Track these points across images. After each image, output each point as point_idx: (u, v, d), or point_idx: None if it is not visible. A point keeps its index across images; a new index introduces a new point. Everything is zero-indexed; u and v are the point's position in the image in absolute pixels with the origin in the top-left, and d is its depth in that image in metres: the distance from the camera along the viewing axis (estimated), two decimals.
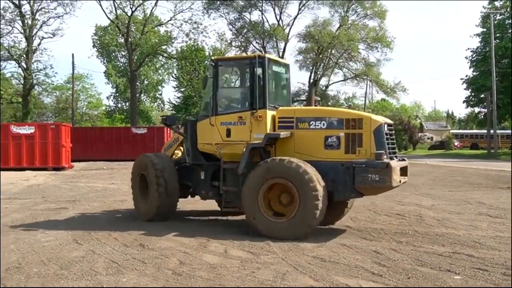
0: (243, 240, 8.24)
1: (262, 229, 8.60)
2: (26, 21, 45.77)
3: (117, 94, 76.59)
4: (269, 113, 9.29)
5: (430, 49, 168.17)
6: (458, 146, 66.06)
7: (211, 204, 11.44)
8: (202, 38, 53.54)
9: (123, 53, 69.64)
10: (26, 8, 45.77)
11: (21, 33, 46.16)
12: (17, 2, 44.95)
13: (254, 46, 51.75)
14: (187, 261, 6.94)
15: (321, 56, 50.51)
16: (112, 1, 49.98)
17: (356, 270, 6.45)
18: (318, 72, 51.57)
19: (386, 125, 8.90)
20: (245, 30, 51.34)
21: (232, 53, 55.34)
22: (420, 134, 72.20)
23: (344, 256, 7.19)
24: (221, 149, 9.57)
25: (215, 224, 9.94)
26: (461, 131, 78.84)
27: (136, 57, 54.96)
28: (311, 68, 51.65)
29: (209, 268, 6.61)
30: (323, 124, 8.97)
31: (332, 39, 47.04)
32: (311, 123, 9.07)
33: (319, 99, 9.43)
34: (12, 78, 50.74)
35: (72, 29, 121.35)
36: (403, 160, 9.50)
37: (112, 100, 78.15)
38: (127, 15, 50.97)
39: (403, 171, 9.01)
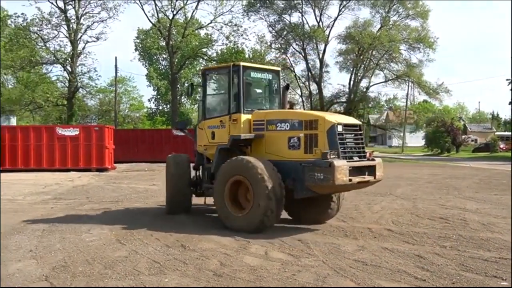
0: (284, 242, 8.24)
1: (224, 220, 9.61)
2: (71, 26, 46.94)
3: (158, 97, 77.76)
4: (244, 117, 10.14)
5: (475, 49, 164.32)
6: (504, 148, 64.16)
7: None
8: (242, 41, 53.61)
9: (164, 56, 70.61)
10: (71, 13, 46.99)
11: (66, 37, 47.38)
12: (63, 8, 46.19)
13: (294, 48, 51.60)
14: (227, 263, 6.98)
15: (361, 57, 49.94)
16: (154, 5, 50.76)
17: (398, 275, 6.36)
18: (359, 74, 51.01)
19: (340, 126, 9.22)
20: (285, 32, 51.19)
21: (272, 55, 55.42)
22: (463, 136, 70.47)
23: (386, 260, 7.09)
24: (206, 150, 10.79)
25: None
26: (506, 133, 76.58)
27: (177, 60, 55.59)
28: (351, 69, 51.15)
29: (249, 270, 6.62)
30: (287, 126, 9.63)
31: (373, 40, 46.43)
32: (277, 125, 9.78)
33: (295, 102, 10.06)
34: (57, 81, 52.12)
35: (115, 33, 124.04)
36: (372, 160, 9.65)
37: (153, 103, 79.41)
38: (169, 18, 51.62)
39: (361, 170, 9.24)
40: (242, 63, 10.47)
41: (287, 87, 11.18)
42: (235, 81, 10.26)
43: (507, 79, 55.58)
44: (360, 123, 10.03)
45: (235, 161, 9.50)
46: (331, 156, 8.83)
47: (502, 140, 67.38)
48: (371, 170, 9.44)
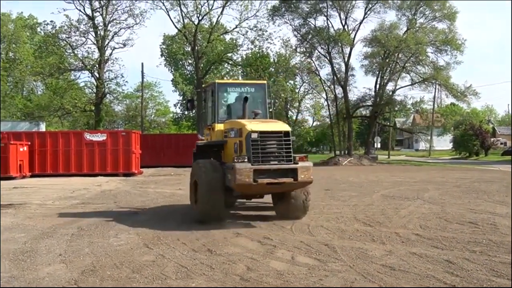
0: (310, 247, 8.20)
1: (193, 211, 11.52)
2: (99, 33, 47.71)
3: (184, 102, 78.29)
4: (218, 126, 11.96)
5: (503, 50, 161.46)
6: None
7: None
8: (267, 45, 53.77)
9: (189, 61, 71.27)
10: (98, 20, 47.76)
11: (94, 44, 48.16)
12: (90, 15, 46.95)
13: (319, 52, 51.42)
14: (254, 267, 6.98)
15: (387, 60, 49.50)
16: (179, 11, 51.22)
17: (427, 280, 6.27)
18: (385, 77, 50.56)
19: (255, 133, 10.41)
20: (310, 36, 51.05)
21: (297, 59, 55.33)
22: (492, 139, 69.31)
23: (415, 265, 7.00)
24: None
25: (282, 230, 9.93)
26: None
27: (202, 65, 55.97)
28: (377, 73, 50.75)
29: (276, 274, 6.61)
30: (233, 134, 11.04)
31: (399, 42, 46.00)
32: (230, 133, 11.21)
33: (260, 112, 11.84)
34: (85, 87, 52.95)
35: (142, 39, 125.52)
36: (295, 163, 10.43)
37: (179, 108, 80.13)
38: (194, 24, 52.04)
39: (275, 173, 10.28)
40: (217, 81, 12.56)
41: (246, 99, 11.87)
42: (213, 96, 12.23)
43: None
44: (286, 130, 10.69)
45: (194, 164, 11.62)
46: (237, 160, 10.17)
47: None
48: (292, 172, 10.30)
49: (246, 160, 10.15)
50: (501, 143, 76.02)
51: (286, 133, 10.61)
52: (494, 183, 21.41)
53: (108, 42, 48.29)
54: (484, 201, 14.77)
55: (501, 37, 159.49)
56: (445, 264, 7.02)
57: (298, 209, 11.29)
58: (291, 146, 10.57)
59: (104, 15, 47.46)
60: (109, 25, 47.87)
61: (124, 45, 48.34)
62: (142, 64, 56.70)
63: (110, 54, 48.84)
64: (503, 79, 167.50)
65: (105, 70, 48.76)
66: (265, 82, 13.35)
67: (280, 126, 10.95)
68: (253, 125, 10.61)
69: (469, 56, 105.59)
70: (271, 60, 60.47)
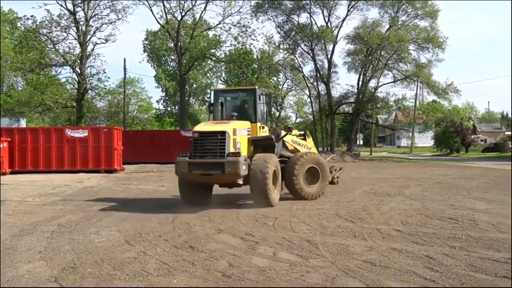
0: (292, 243, 8.23)
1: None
2: (80, 28, 47.14)
3: (167, 98, 78.13)
4: None
5: (484, 48, 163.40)
6: None
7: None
8: (250, 41, 53.55)
9: (172, 57, 70.96)
10: (80, 15, 47.14)
11: (75, 39, 47.56)
12: (72, 10, 46.42)
13: (302, 49, 51.61)
14: (236, 264, 6.98)
15: (370, 57, 49.83)
16: (162, 6, 50.91)
17: (407, 275, 6.33)
18: (367, 74, 50.87)
19: (196, 133, 12.72)
20: (293, 33, 51.20)
21: (280, 56, 55.38)
22: (473, 136, 70.10)
23: (395, 260, 7.06)
24: None
25: (264, 226, 9.95)
26: None
27: (185, 61, 55.70)
28: (360, 70, 51.06)
29: (258, 271, 6.62)
30: (191, 133, 13.19)
31: (382, 40, 46.32)
32: (192, 132, 13.22)
33: (235, 114, 13.79)
34: (67, 83, 52.39)
35: (124, 34, 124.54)
36: (222, 158, 12.26)
37: (162, 104, 79.89)
38: (177, 19, 51.73)
39: (207, 166, 12.29)
40: (213, 89, 14.52)
41: (221, 104, 14.45)
42: (212, 101, 14.89)
43: None
44: (221, 130, 12.49)
45: None
46: (181, 155, 12.55)
47: None
48: (221, 166, 12.06)
49: (188, 155, 12.48)
50: (481, 140, 76.89)
51: (222, 133, 12.38)
52: (474, 179, 21.68)
53: (90, 38, 47.76)
54: (464, 197, 14.95)
55: (482, 35, 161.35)
56: (425, 260, 7.09)
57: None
58: (224, 143, 12.24)
59: (85, 10, 46.88)
60: (91, 20, 47.31)
61: (106, 40, 47.82)
62: (125, 60, 56.08)
63: (92, 50, 48.30)
64: (483, 76, 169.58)
65: (86, 66, 48.20)
66: (255, 87, 14.75)
67: (220, 127, 12.73)
68: (200, 127, 13.11)
69: (451, 53, 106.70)
70: (254, 56, 60.48)
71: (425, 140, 76.44)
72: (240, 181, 12.80)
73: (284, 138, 14.90)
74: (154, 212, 12.07)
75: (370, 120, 72.72)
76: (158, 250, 7.86)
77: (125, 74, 56.59)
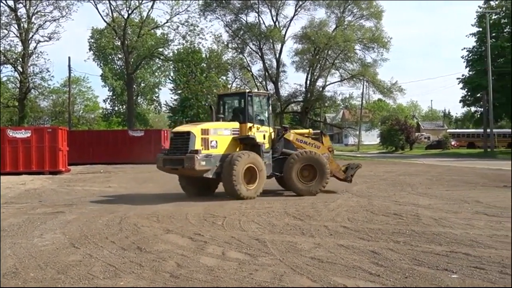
0: (241, 242, 8.25)
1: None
2: (22, 25, 45.65)
3: (114, 97, 76.62)
4: None
5: (427, 48, 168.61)
6: (455, 145, 66.13)
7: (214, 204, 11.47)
8: (198, 40, 53.33)
9: (119, 56, 69.64)
10: (22, 11, 45.71)
11: (17, 36, 46.06)
12: (13, 6, 44.87)
13: (250, 48, 51.75)
14: (184, 264, 6.93)
15: (317, 57, 50.48)
16: (108, 4, 49.95)
17: (353, 271, 6.46)
18: (315, 73, 51.53)
19: (173, 133, 15.20)
20: (241, 32, 51.27)
21: (229, 55, 55.34)
22: (417, 134, 72.27)
23: (342, 256, 7.19)
24: None
25: (213, 225, 9.93)
26: (457, 130, 78.93)
27: (132, 59, 54.91)
28: (307, 69, 51.64)
29: (206, 270, 6.60)
30: None
31: (329, 40, 47.01)
32: None
33: (222, 116, 15.46)
34: (8, 82, 50.61)
35: (69, 32, 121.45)
36: (182, 154, 13.95)
37: (108, 103, 78.28)
38: (124, 18, 50.92)
39: (173, 162, 14.20)
40: (217, 93, 15.34)
41: (210, 107, 16.03)
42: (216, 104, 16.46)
43: (457, 78, 57.45)
44: (187, 131, 14.22)
45: None
46: (161, 151, 15.94)
47: (453, 137, 69.34)
48: (182, 162, 13.69)
49: (166, 152, 14.95)
50: (425, 138, 79.33)
51: (187, 133, 14.06)
52: (418, 176, 22.34)
53: (32, 35, 46.37)
54: (408, 193, 15.39)
55: (424, 35, 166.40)
56: (370, 255, 7.26)
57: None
58: (188, 142, 13.80)
59: (27, 7, 45.49)
60: (33, 17, 45.98)
61: (50, 38, 46.55)
62: (69, 58, 55.19)
63: (35, 48, 46.92)
64: (426, 76, 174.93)
65: (29, 64, 46.75)
66: (245, 91, 15.98)
67: (188, 128, 14.66)
68: (176, 128, 15.47)
69: (395, 53, 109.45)
70: (203, 55, 60.21)
71: (371, 138, 78.26)
72: (209, 175, 14.04)
73: (289, 137, 15.82)
74: (101, 214, 11.83)
75: (319, 119, 73.70)
76: (105, 252, 7.70)
77: (70, 72, 55.30)
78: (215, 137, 14.30)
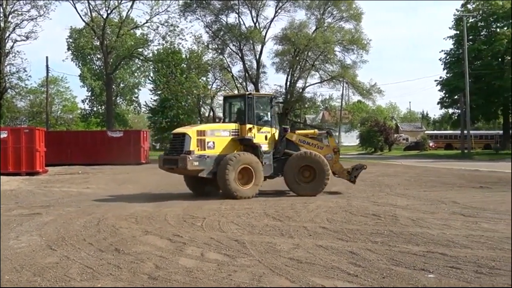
0: (220, 243, 8.24)
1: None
2: None
3: (93, 98, 75.95)
4: None
5: (406, 51, 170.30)
6: (433, 146, 66.97)
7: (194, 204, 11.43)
8: (178, 41, 53.03)
9: (98, 56, 68.99)
10: None
11: None
12: None
13: (230, 49, 51.62)
14: (163, 265, 6.89)
15: (297, 58, 50.58)
16: (87, 4, 49.45)
17: (332, 271, 6.49)
18: (295, 74, 51.63)
19: (172, 135, 16.16)
20: (221, 33, 51.12)
21: (209, 55, 55.17)
22: (395, 135, 72.93)
23: (321, 257, 7.22)
24: None
25: (192, 226, 9.89)
26: (435, 132, 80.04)
27: (111, 60, 54.44)
28: (287, 70, 51.71)
29: (185, 272, 6.57)
30: None
31: (309, 41, 47.12)
32: None
33: (221, 117, 16.33)
34: None
35: (46, 31, 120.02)
36: (176, 155, 14.71)
37: (87, 104, 77.59)
38: (103, 17, 50.47)
39: (170, 161, 14.96)
40: (223, 95, 15.87)
41: (212, 109, 16.56)
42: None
43: (435, 80, 58.17)
44: (183, 132, 14.98)
45: None
46: (164, 152, 16.02)
47: (431, 139, 70.20)
48: (176, 162, 14.48)
49: (166, 152, 15.92)
50: (404, 139, 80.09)
51: (182, 135, 14.79)
52: (397, 177, 22.55)
53: (9, 34, 45.57)
54: (387, 194, 15.55)
55: (404, 37, 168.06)
56: (349, 255, 7.30)
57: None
58: (183, 143, 14.47)
59: (4, 5, 44.75)
60: (10, 16, 45.17)
61: (27, 37, 45.82)
62: (47, 57, 54.31)
63: (12, 47, 46.17)
64: (405, 78, 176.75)
65: (6, 64, 46.00)
66: (245, 93, 16.61)
67: (183, 130, 15.33)
68: (177, 129, 16.07)
69: (374, 55, 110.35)
70: (183, 56, 59.97)
71: (351, 139, 78.74)
72: (204, 174, 14.62)
73: (291, 138, 16.12)
74: (78, 215, 11.71)
75: (299, 120, 73.92)
76: (82, 254, 7.62)
77: (47, 72, 54.66)
78: (212, 138, 14.85)
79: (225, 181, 14.29)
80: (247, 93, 16.29)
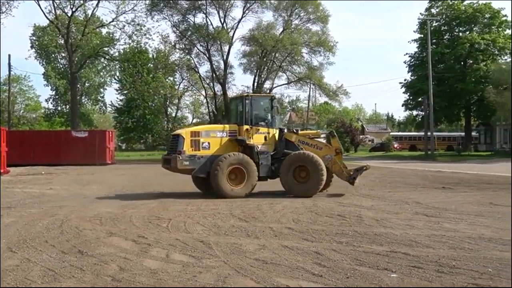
0: (185, 244, 8.19)
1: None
2: None
3: (57, 97, 74.63)
4: None
5: (371, 53, 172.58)
6: (398, 148, 68.12)
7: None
8: (145, 40, 52.56)
9: (63, 55, 67.89)
10: None
11: None
12: None
13: (198, 49, 51.51)
14: (127, 267, 6.81)
15: (265, 59, 50.80)
16: (51, 1, 48.54)
17: (297, 271, 6.53)
18: (262, 75, 51.85)
19: (171, 135, 17.17)
20: (189, 33, 50.93)
21: (176, 55, 54.86)
22: (361, 136, 73.91)
23: (286, 257, 7.25)
24: None
25: (157, 228, 9.81)
26: (400, 133, 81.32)
27: (76, 58, 53.60)
28: (255, 71, 51.90)
29: (149, 273, 6.51)
30: None
31: (276, 42, 47.38)
32: None
33: (220, 119, 15.46)
34: None
35: (9, 29, 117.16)
36: (169, 155, 15.75)
37: (51, 103, 76.17)
38: (67, 15, 49.63)
39: (168, 161, 15.54)
40: (230, 97, 16.14)
41: (213, 111, 16.53)
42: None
43: (400, 82, 59.18)
44: (177, 133, 15.86)
45: None
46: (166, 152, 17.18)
47: (396, 140, 71.36)
48: (169, 161, 15.32)
49: (167, 152, 16.65)
50: (369, 140, 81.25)
51: (177, 136, 15.57)
52: (362, 177, 22.60)
53: None
54: (352, 194, 15.72)
55: (369, 40, 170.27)
56: (314, 256, 7.36)
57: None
58: (177, 143, 15.18)
59: None
60: None
61: None
62: (9, 56, 53.22)
63: None
64: (371, 80, 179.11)
65: None
66: (242, 95, 17.11)
67: (179, 131, 16.50)
68: (178, 130, 17.14)
69: (341, 57, 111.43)
70: (150, 55, 59.49)
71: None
72: (197, 174, 15.34)
73: (290, 138, 16.16)
74: (41, 217, 11.46)
75: None
76: (44, 257, 7.47)
77: (10, 71, 53.51)
78: (207, 139, 15.40)
79: (216, 181, 14.77)
80: (245, 94, 16.79)
